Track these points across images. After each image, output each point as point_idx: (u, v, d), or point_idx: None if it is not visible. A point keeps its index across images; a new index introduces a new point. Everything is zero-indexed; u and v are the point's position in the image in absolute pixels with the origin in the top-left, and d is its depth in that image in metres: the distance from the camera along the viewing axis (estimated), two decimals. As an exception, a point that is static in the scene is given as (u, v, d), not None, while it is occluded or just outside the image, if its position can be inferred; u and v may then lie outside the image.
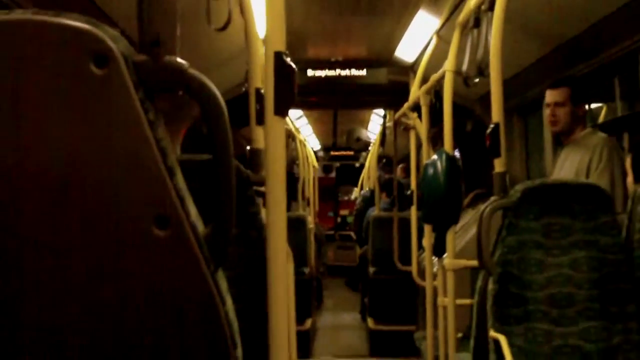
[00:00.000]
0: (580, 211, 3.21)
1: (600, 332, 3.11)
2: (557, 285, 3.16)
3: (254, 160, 2.97)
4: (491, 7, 3.41)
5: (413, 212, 6.70)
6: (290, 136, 9.75)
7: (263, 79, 1.87)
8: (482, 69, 3.71)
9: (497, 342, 3.05)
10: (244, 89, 3.21)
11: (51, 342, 1.27)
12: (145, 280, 1.28)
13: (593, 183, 3.36)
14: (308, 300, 8.71)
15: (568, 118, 4.35)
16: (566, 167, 4.41)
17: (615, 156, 4.18)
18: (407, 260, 7.52)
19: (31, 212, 1.25)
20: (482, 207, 3.25)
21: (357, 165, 19.62)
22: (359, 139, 15.51)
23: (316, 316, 10.66)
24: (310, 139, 17.02)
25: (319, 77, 7.91)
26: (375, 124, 14.48)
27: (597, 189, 3.25)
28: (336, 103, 9.50)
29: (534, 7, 4.50)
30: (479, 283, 3.28)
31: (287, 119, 1.97)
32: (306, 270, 8.73)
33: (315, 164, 14.07)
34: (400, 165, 11.00)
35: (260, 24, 2.92)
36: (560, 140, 4.60)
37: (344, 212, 20.66)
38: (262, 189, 2.67)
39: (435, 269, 5.27)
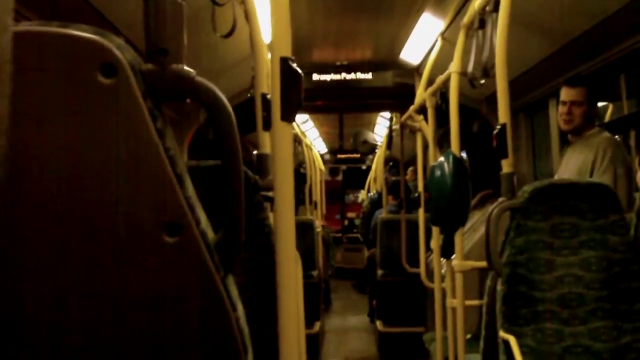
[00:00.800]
0: (589, 210, 3.21)
1: (610, 331, 3.10)
2: (566, 285, 3.15)
3: (261, 165, 2.97)
4: (496, 8, 3.41)
5: (421, 214, 6.70)
6: (297, 140, 9.75)
7: (269, 85, 1.88)
8: (487, 70, 3.71)
9: (506, 343, 3.04)
10: (250, 95, 3.21)
11: (61, 348, 1.28)
12: (156, 287, 1.28)
13: (601, 182, 3.35)
14: (316, 303, 8.71)
15: (582, 117, 4.36)
16: (570, 165, 4.41)
17: (618, 155, 4.18)
18: (415, 262, 7.51)
19: (42, 222, 1.25)
20: (489, 208, 3.24)
21: (364, 167, 19.61)
22: (365, 142, 15.51)
23: (325, 319, 10.66)
24: (316, 143, 17.01)
25: (325, 81, 7.91)
26: (381, 126, 14.47)
27: (604, 188, 3.25)
28: (342, 107, 9.49)
29: (539, 6, 4.49)
30: (488, 284, 3.28)
31: (294, 123, 1.97)
32: (314, 273, 8.73)
33: (322, 167, 14.07)
34: (410, 168, 11.01)
35: (265, 30, 2.93)
36: (568, 139, 4.59)
37: (351, 214, 20.63)
38: (270, 194, 2.68)
39: (443, 271, 5.27)
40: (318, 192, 10.95)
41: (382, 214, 9.57)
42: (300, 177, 9.98)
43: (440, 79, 5.00)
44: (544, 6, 4.50)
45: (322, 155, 17.31)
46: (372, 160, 16.35)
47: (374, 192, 13.18)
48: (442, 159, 4.37)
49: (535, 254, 3.17)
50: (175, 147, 1.30)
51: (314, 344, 8.19)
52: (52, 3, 3.24)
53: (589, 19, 4.26)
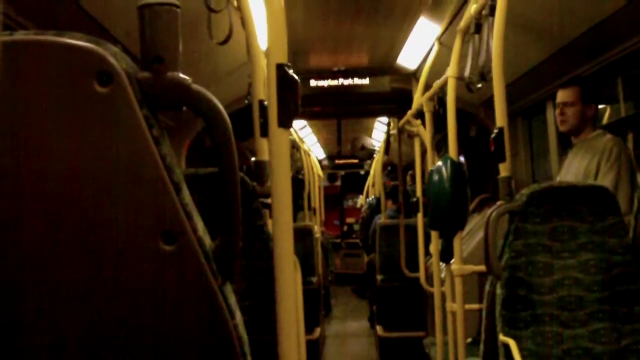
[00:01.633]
0: (587, 213, 3.21)
1: (610, 333, 3.10)
2: (565, 287, 3.15)
3: (259, 172, 2.97)
4: (492, 12, 3.42)
5: (419, 219, 6.70)
6: (295, 146, 9.75)
7: (266, 91, 1.88)
8: (484, 74, 3.72)
9: (506, 347, 3.04)
10: (247, 102, 3.22)
11: (58, 355, 1.28)
12: (153, 295, 1.28)
13: (599, 185, 3.36)
14: (316, 309, 8.71)
15: (576, 117, 4.35)
16: (573, 168, 4.40)
17: (622, 156, 4.17)
18: (414, 267, 7.52)
19: (38, 230, 1.25)
20: (488, 211, 3.25)
21: (362, 173, 19.62)
22: (363, 147, 15.51)
23: (325, 325, 10.65)
24: (314, 148, 17.02)
25: (322, 87, 7.91)
26: (379, 131, 14.48)
27: (603, 191, 3.25)
28: (340, 112, 9.49)
29: (535, 10, 4.50)
30: (487, 288, 3.27)
31: (291, 129, 1.98)
32: (314, 279, 8.74)
33: (320, 173, 14.08)
34: (410, 172, 11.02)
35: (261, 37, 2.93)
36: (569, 141, 4.59)
37: (350, 219, 20.66)
38: (268, 200, 2.68)
39: (442, 275, 5.27)
40: (317, 198, 10.97)
41: (380, 219, 9.58)
42: (298, 183, 9.99)
43: (437, 83, 5.00)
44: (540, 9, 4.50)
45: (320, 161, 17.31)
46: (370, 165, 16.36)
47: (373, 197, 13.19)
48: (440, 163, 4.37)
49: (534, 257, 3.17)
50: (171, 155, 1.29)
51: (314, 350, 8.19)
52: (49, 12, 3.24)
53: (586, 22, 4.27)
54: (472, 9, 3.88)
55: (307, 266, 8.40)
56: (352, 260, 17.34)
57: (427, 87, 5.66)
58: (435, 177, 4.35)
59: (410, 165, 10.59)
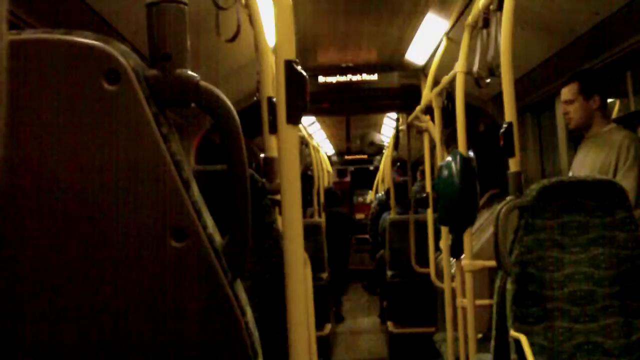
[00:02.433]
0: (597, 208, 3.20)
1: (620, 328, 3.10)
2: (576, 282, 3.15)
3: (268, 169, 2.97)
4: (500, 7, 3.41)
5: (429, 214, 6.70)
6: (304, 142, 9.75)
7: (274, 88, 1.88)
8: (493, 69, 3.71)
9: (517, 342, 3.04)
10: (255, 99, 3.22)
11: (62, 354, 1.28)
12: (163, 292, 1.28)
13: (608, 179, 3.34)
14: (326, 305, 8.71)
15: (580, 113, 4.32)
16: (588, 163, 4.37)
17: None
18: (424, 263, 7.51)
19: (46, 228, 1.26)
20: (497, 207, 3.24)
21: (372, 168, 19.62)
22: (372, 143, 15.53)
23: (335, 321, 10.66)
24: (323, 144, 17.02)
25: (331, 83, 7.91)
26: (388, 127, 14.48)
27: (612, 185, 3.24)
28: (348, 109, 9.49)
29: (543, 5, 4.49)
30: (498, 283, 3.27)
31: (300, 125, 1.98)
32: (323, 275, 8.73)
33: (330, 168, 14.08)
34: (420, 168, 11.02)
35: (269, 34, 2.93)
36: (581, 135, 4.56)
37: (359, 215, 20.64)
38: (278, 197, 2.68)
39: (453, 271, 5.26)
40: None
41: (390, 215, 9.58)
42: (307, 180, 9.99)
43: (446, 79, 4.99)
44: (548, 4, 4.49)
45: (329, 157, 17.33)
46: (379, 161, 16.36)
47: (382, 193, 13.19)
48: (449, 158, 4.36)
49: (545, 252, 3.17)
50: (181, 152, 1.30)
51: (324, 346, 8.20)
52: (56, 10, 3.24)
53: (594, 17, 4.26)
54: (479, 3, 3.87)
55: (316, 262, 8.40)
56: (361, 256, 17.32)
57: (436, 82, 5.65)
58: (445, 173, 4.34)
59: (420, 161, 10.59)
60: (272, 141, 3.03)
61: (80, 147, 1.25)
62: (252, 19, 3.26)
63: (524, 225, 3.18)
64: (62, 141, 1.25)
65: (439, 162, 4.98)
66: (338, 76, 7.92)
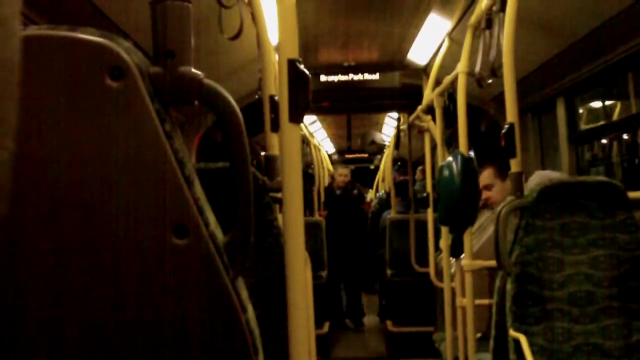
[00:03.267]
0: (597, 209, 3.21)
1: (620, 329, 3.10)
2: (576, 283, 3.15)
3: (270, 167, 2.97)
4: (502, 8, 3.41)
5: (430, 214, 6.71)
6: (305, 141, 9.75)
7: (277, 87, 1.88)
8: (495, 70, 3.72)
9: (517, 342, 3.05)
10: (257, 97, 3.22)
11: (63, 351, 1.28)
12: (164, 289, 1.29)
13: (609, 180, 3.35)
14: (326, 304, 8.72)
15: (500, 194, 4.47)
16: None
17: None
18: (424, 262, 7.52)
19: (49, 224, 1.26)
20: (498, 207, 3.25)
21: (372, 167, 19.61)
22: (373, 142, 15.53)
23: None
24: (324, 143, 17.02)
25: (332, 82, 7.91)
26: (389, 126, 14.49)
27: (613, 186, 3.24)
28: (350, 107, 9.50)
29: (546, 5, 4.49)
30: (498, 283, 3.28)
31: (302, 124, 1.98)
32: (323, 274, 8.74)
33: (330, 167, 14.08)
34: (420, 168, 11.02)
35: (272, 32, 2.94)
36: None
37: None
38: (279, 195, 2.68)
39: (452, 270, 5.27)
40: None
41: (390, 214, 9.58)
42: (308, 178, 9.99)
43: (447, 79, 5.00)
44: (551, 5, 4.49)
45: (330, 156, 17.32)
46: (380, 160, 16.36)
47: (383, 192, 13.19)
48: (450, 158, 4.37)
49: (545, 253, 3.17)
50: (183, 149, 1.30)
51: (324, 344, 8.21)
52: (60, 7, 3.25)
53: (596, 18, 4.26)
54: (482, 4, 3.87)
55: (317, 260, 8.41)
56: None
57: (438, 82, 5.66)
58: (446, 173, 4.35)
59: (420, 161, 10.59)
60: (273, 139, 3.04)
61: (83, 144, 1.25)
62: (255, 17, 3.27)
63: (525, 225, 3.19)
64: (65, 137, 1.25)
65: (439, 162, 4.98)
66: (340, 75, 7.92)
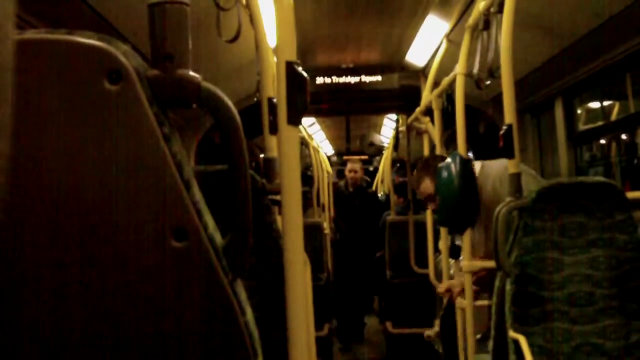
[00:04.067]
0: (596, 209, 3.21)
1: (619, 329, 3.10)
2: (575, 284, 3.15)
3: (268, 169, 2.97)
4: (500, 9, 3.42)
5: (429, 216, 6.71)
6: (304, 143, 9.75)
7: (275, 89, 1.88)
8: (493, 71, 3.72)
9: (516, 343, 3.05)
10: (256, 99, 3.22)
11: (66, 351, 1.28)
12: (163, 292, 1.29)
13: (608, 181, 3.35)
14: (326, 305, 8.71)
15: None
16: None
17: None
18: (423, 263, 7.52)
19: (46, 228, 1.26)
20: (497, 208, 3.25)
21: (371, 169, 19.59)
22: (372, 144, 15.50)
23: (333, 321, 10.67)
24: (323, 145, 17.01)
25: (331, 84, 7.92)
26: (388, 128, 14.47)
27: (611, 187, 3.24)
28: (348, 109, 9.49)
29: (543, 6, 4.49)
30: (497, 284, 3.28)
31: (300, 126, 1.99)
32: (323, 276, 8.73)
33: (329, 169, 14.08)
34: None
35: (270, 34, 2.94)
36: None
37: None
38: (278, 197, 2.68)
39: (452, 271, 5.27)
40: (326, 195, 10.95)
41: (390, 216, 9.57)
42: (307, 180, 9.98)
43: (446, 80, 5.00)
44: (549, 6, 4.50)
45: (329, 157, 17.31)
46: (379, 162, 16.35)
47: (382, 193, 13.18)
48: (449, 160, 4.37)
49: (544, 253, 3.17)
50: (182, 152, 1.30)
51: (324, 346, 8.20)
52: (58, 11, 3.25)
53: (594, 19, 4.26)
54: (480, 5, 3.87)
55: (316, 263, 8.40)
56: None
57: (436, 84, 5.67)
58: (444, 174, 4.34)
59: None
60: (272, 141, 3.04)
61: (81, 147, 1.25)
62: (253, 20, 3.27)
63: (523, 226, 3.19)
64: (63, 141, 1.25)
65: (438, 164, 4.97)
66: (338, 77, 7.92)
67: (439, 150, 5.56)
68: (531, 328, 3.11)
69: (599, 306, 3.13)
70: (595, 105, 6.05)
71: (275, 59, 1.83)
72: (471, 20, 4.19)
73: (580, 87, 5.42)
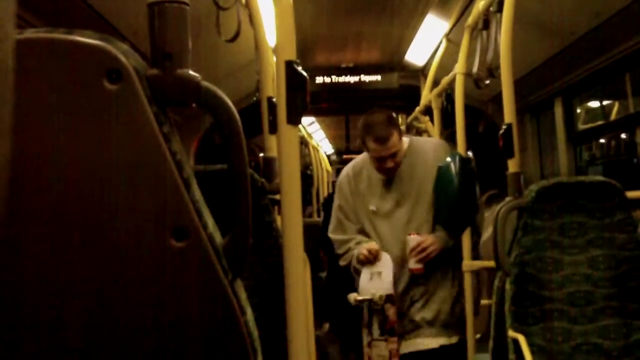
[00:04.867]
0: (596, 209, 3.21)
1: (619, 329, 3.10)
2: (575, 283, 3.15)
3: (268, 168, 2.97)
4: (500, 9, 3.41)
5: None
6: (303, 142, 9.75)
7: (275, 88, 1.88)
8: (492, 70, 3.71)
9: (516, 342, 3.04)
10: (255, 99, 3.22)
11: (66, 350, 1.28)
12: (163, 291, 1.29)
13: (608, 180, 3.34)
14: (325, 305, 8.70)
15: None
16: None
17: None
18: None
19: (46, 227, 1.26)
20: (496, 207, 3.25)
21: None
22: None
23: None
24: (323, 144, 17.00)
25: (330, 84, 7.93)
26: (387, 127, 14.43)
27: (611, 186, 3.24)
28: (348, 109, 9.50)
29: (543, 6, 4.49)
30: (497, 283, 3.27)
31: (300, 125, 1.99)
32: (323, 275, 8.72)
33: (329, 168, 14.07)
34: None
35: (270, 34, 2.94)
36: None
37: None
38: (277, 197, 2.69)
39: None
40: (325, 194, 10.95)
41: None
42: (307, 179, 9.97)
43: (445, 80, 5.00)
44: (548, 6, 4.50)
45: (328, 156, 17.30)
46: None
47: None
48: (448, 159, 4.36)
49: (543, 253, 3.17)
50: (181, 152, 1.30)
51: (323, 345, 8.18)
52: (57, 10, 3.25)
53: (594, 18, 4.26)
54: (480, 5, 3.87)
55: (315, 262, 8.38)
56: None
57: (435, 83, 5.67)
58: (444, 174, 4.33)
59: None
60: (271, 141, 3.04)
61: (81, 147, 1.25)
62: (253, 19, 3.27)
63: (523, 225, 3.18)
64: (62, 140, 1.25)
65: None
66: (338, 76, 7.93)
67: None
68: (531, 327, 3.11)
69: (598, 306, 3.13)
70: (594, 104, 6.06)
71: (274, 58, 1.83)
72: (471, 19, 4.19)
73: (580, 87, 5.41)
